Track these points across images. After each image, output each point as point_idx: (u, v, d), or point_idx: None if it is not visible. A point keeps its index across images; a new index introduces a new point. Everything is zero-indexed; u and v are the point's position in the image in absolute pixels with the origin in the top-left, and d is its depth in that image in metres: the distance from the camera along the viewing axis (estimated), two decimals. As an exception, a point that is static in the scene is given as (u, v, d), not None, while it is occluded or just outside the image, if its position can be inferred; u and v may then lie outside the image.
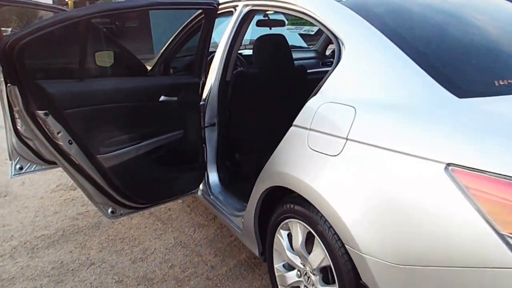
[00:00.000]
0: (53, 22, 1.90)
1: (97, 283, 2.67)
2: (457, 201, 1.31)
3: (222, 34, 2.89)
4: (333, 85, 1.86)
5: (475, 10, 2.11)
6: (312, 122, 1.85)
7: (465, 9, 2.08)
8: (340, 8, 1.99)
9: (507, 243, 1.22)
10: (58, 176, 4.46)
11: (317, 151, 1.78)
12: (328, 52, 4.86)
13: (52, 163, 3.16)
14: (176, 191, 2.70)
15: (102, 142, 2.24)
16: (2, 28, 3.60)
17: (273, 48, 2.93)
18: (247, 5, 2.70)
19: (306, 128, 1.88)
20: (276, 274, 2.21)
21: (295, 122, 1.95)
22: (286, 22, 4.71)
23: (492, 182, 1.26)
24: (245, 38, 4.18)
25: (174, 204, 3.70)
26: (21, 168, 3.05)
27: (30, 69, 1.96)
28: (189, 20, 3.25)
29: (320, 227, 1.78)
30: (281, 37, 2.97)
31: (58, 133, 2.08)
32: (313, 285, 1.94)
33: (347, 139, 1.66)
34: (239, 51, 4.06)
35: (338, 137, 1.70)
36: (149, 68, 3.64)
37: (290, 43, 3.07)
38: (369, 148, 1.57)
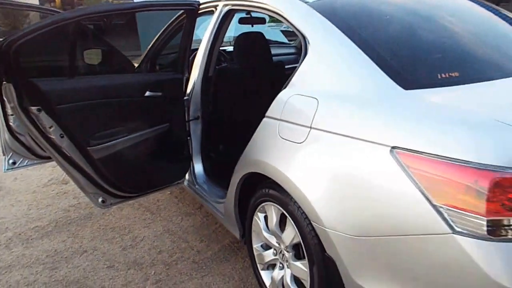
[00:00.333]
0: (47, 24, 2.07)
1: (89, 269, 2.86)
2: (400, 179, 1.52)
3: (205, 31, 3.07)
4: (300, 79, 2.06)
5: (426, 10, 2.30)
6: (282, 113, 2.05)
7: (417, 10, 2.28)
8: (307, 9, 2.18)
9: (438, 212, 1.43)
10: (49, 171, 4.62)
11: (286, 139, 1.98)
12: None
13: (44, 158, 3.34)
14: (163, 181, 2.88)
15: (92, 135, 2.41)
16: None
17: (252, 45, 3.11)
18: (226, 5, 2.88)
19: (277, 119, 2.08)
20: (255, 254, 2.40)
21: (267, 114, 2.15)
22: (268, 19, 4.88)
23: (427, 161, 1.46)
24: (229, 35, 4.38)
25: (162, 195, 3.89)
26: (14, 163, 3.22)
27: (25, 68, 2.13)
28: (173, 19, 3.43)
29: (291, 208, 1.97)
30: (260, 35, 3.15)
31: (50, 128, 2.25)
32: (287, 261, 2.14)
33: (311, 127, 1.86)
34: (223, 48, 4.25)
35: (304, 126, 1.90)
36: (136, 65, 3.82)
37: (272, 39, 3.26)
38: (329, 135, 1.77)
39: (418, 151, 1.49)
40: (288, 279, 2.14)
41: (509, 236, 1.36)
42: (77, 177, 2.50)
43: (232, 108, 3.16)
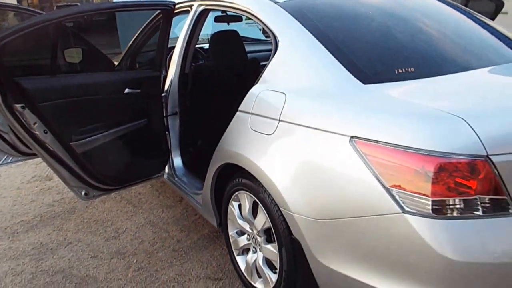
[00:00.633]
0: (30, 24, 2.18)
1: (74, 259, 2.98)
2: (358, 166, 1.67)
3: (181, 30, 3.19)
4: (270, 75, 2.21)
5: (388, 9, 2.46)
6: (253, 107, 2.20)
7: (379, 9, 2.44)
8: (276, 8, 2.33)
9: (391, 195, 1.59)
10: (33, 168, 4.70)
11: (257, 132, 2.13)
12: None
13: (27, 155, 3.44)
14: (143, 174, 3.00)
15: (75, 130, 2.53)
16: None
17: (226, 43, 3.25)
18: (201, 4, 3.01)
19: (248, 113, 2.22)
20: (230, 240, 2.55)
21: (240, 108, 2.29)
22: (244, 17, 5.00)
23: (382, 149, 1.62)
24: (208, 32, 4.49)
25: (143, 189, 4.01)
26: (-2, 160, 3.32)
27: (8, 67, 2.24)
28: (151, 18, 3.54)
29: (262, 195, 2.12)
30: (234, 33, 3.29)
31: (34, 124, 2.36)
32: (259, 245, 2.29)
33: (279, 120, 2.01)
34: (201, 45, 4.38)
35: (273, 119, 2.05)
36: (116, 63, 3.92)
37: (250, 36, 3.37)
38: (295, 126, 1.92)
39: (374, 140, 1.65)
40: (260, 262, 2.29)
41: (452, 215, 1.52)
42: (60, 171, 2.61)
43: (209, 103, 3.29)
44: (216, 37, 3.23)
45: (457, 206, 1.51)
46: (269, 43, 5.18)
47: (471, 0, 3.95)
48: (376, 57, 2.09)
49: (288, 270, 2.07)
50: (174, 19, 3.37)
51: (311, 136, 1.85)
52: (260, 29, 5.18)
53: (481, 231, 1.51)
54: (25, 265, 2.92)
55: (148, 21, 3.54)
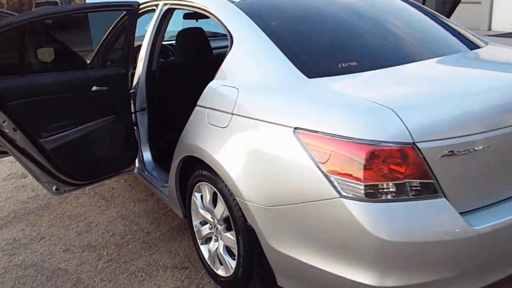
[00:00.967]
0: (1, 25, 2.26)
1: (46, 253, 3.06)
2: (301, 155, 1.79)
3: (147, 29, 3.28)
4: (225, 71, 2.31)
5: (335, 7, 2.58)
6: (210, 102, 2.30)
7: (326, 7, 2.55)
8: (232, 8, 2.43)
9: (330, 181, 1.71)
10: (8, 166, 4.76)
11: (213, 125, 2.24)
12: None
13: (1, 153, 3.50)
14: (113, 169, 3.09)
15: (44, 128, 2.62)
16: None
17: (191, 40, 3.34)
18: (166, 4, 3.10)
19: (206, 107, 2.33)
20: (195, 230, 2.66)
21: (198, 103, 2.40)
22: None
23: (322, 139, 1.74)
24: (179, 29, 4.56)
25: (117, 184, 4.10)
26: (-30, 159, 3.38)
27: None
28: (120, 16, 3.61)
29: (220, 186, 2.23)
30: (199, 30, 3.38)
31: (4, 122, 2.45)
32: (220, 233, 2.41)
33: (232, 114, 2.12)
34: (171, 42, 4.45)
35: (227, 112, 2.16)
36: (88, 60, 3.99)
37: (220, 32, 3.44)
38: (246, 119, 2.04)
39: (314, 131, 1.77)
40: (221, 249, 2.40)
41: (384, 198, 1.65)
42: (31, 167, 2.70)
43: (175, 99, 3.39)
44: (181, 35, 3.32)
45: (388, 190, 1.64)
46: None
47: None
48: (322, 52, 2.20)
49: (245, 256, 2.18)
50: (143, 17, 3.48)
51: (260, 128, 1.96)
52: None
53: (411, 212, 1.64)
54: (-3, 260, 3.00)
55: (118, 19, 3.61)
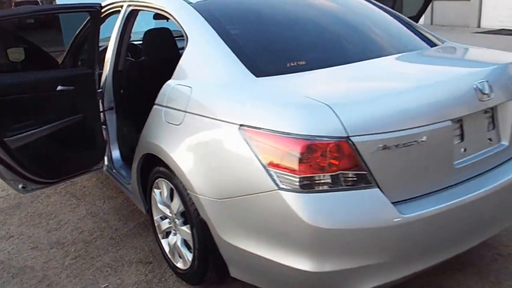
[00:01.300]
0: None
1: (14, 251, 3.11)
2: (246, 150, 1.87)
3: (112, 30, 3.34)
4: (181, 70, 2.39)
5: (288, 8, 2.67)
6: (166, 100, 2.38)
7: (279, 8, 2.64)
8: (188, 8, 2.50)
9: (270, 174, 1.79)
10: (-18, 166, 4.77)
11: (169, 123, 2.31)
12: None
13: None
14: (80, 167, 3.15)
15: (9, 127, 2.67)
16: None
17: (158, 40, 3.40)
18: (130, 5, 3.16)
19: (162, 106, 2.40)
20: (155, 225, 2.74)
21: (156, 101, 2.47)
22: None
23: (263, 135, 1.83)
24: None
25: (89, 182, 4.15)
26: None
27: None
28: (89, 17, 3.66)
29: (175, 181, 2.31)
30: (166, 30, 3.44)
31: None
32: (177, 227, 2.48)
33: (185, 112, 2.20)
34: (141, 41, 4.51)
35: (181, 110, 2.23)
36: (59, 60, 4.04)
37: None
38: (197, 117, 2.12)
39: (257, 127, 1.85)
40: (179, 243, 2.48)
41: (319, 189, 1.74)
42: (-4, 165, 2.75)
43: (143, 98, 3.45)
44: (148, 35, 3.38)
45: (322, 181, 1.73)
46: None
47: None
48: (271, 52, 2.29)
49: (200, 248, 2.26)
50: (111, 18, 3.53)
51: (210, 125, 2.04)
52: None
53: (345, 202, 1.73)
54: (-35, 259, 3.04)
55: (88, 19, 3.66)
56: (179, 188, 2.28)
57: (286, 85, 2.01)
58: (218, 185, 2.00)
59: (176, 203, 2.38)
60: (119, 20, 3.24)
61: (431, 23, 13.22)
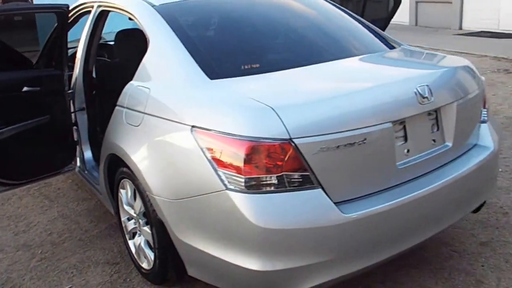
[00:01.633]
0: None
1: (-20, 254, 3.12)
2: (197, 151, 1.91)
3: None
4: (142, 72, 2.43)
5: (248, 13, 2.71)
6: (126, 101, 2.42)
7: (238, 12, 2.69)
8: (150, 11, 2.54)
9: (218, 175, 1.84)
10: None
11: (129, 124, 2.35)
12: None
13: None
14: (50, 168, 3.16)
15: None
16: None
17: (129, 40, 3.42)
18: (100, 6, 3.19)
19: (123, 107, 2.44)
20: (123, 225, 2.77)
21: (117, 102, 2.51)
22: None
23: (213, 136, 1.87)
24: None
25: (63, 183, 4.16)
26: None
27: None
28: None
29: (137, 182, 2.34)
30: (137, 31, 3.47)
31: None
32: (141, 228, 2.52)
33: (144, 113, 2.24)
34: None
35: (139, 112, 2.27)
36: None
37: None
38: (154, 118, 2.16)
39: (208, 129, 1.90)
40: (142, 243, 2.52)
41: (263, 189, 1.79)
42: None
43: (114, 98, 3.47)
44: (120, 35, 3.41)
45: (267, 182, 1.77)
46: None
47: None
48: (227, 55, 2.34)
49: (160, 248, 2.30)
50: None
51: (165, 126, 2.08)
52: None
53: (289, 202, 1.78)
54: None
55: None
56: (140, 189, 2.32)
57: (237, 87, 2.06)
58: (173, 186, 2.04)
59: (138, 204, 2.42)
60: (89, 20, 3.27)
61: (416, 24, 13.33)
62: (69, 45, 3.99)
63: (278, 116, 1.77)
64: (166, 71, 2.27)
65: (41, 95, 2.99)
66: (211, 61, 2.22)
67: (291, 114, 1.79)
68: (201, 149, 1.89)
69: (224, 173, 1.82)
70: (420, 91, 2.00)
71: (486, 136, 2.36)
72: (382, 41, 2.74)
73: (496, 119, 4.63)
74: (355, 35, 2.74)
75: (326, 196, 1.80)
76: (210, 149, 1.87)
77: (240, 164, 1.77)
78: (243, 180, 1.77)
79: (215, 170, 1.84)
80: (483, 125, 2.40)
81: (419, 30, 12.36)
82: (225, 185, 1.81)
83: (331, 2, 3.03)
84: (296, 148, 1.76)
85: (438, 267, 2.54)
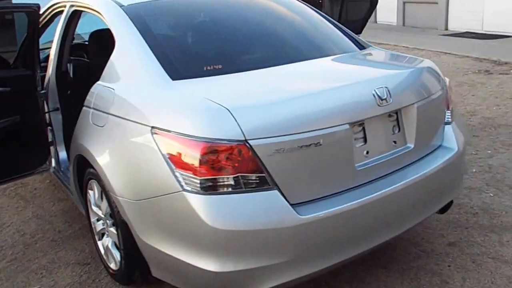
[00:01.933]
0: None
1: None
2: (156, 152, 1.91)
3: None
4: (108, 72, 2.42)
5: (215, 14, 2.71)
6: (93, 102, 2.41)
7: (204, 13, 2.68)
8: (118, 11, 2.53)
9: (175, 176, 1.83)
10: None
11: (94, 124, 2.35)
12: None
13: None
14: (21, 169, 3.14)
15: None
16: None
17: (103, 40, 3.41)
18: (72, 6, 3.18)
19: (90, 107, 2.43)
20: (93, 226, 2.76)
21: (84, 103, 2.50)
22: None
23: (171, 137, 1.87)
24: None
25: (41, 184, 4.14)
26: None
27: None
28: (43, 16, 3.65)
29: (102, 183, 2.33)
30: (108, 31, 3.46)
31: None
32: (108, 228, 2.51)
33: (109, 114, 2.23)
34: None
35: (105, 112, 2.27)
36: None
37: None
38: (117, 118, 2.16)
39: (166, 130, 1.89)
40: (109, 244, 2.51)
41: (218, 191, 1.79)
42: None
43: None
44: (94, 36, 3.40)
45: (223, 183, 1.78)
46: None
47: None
48: (190, 55, 2.34)
49: (125, 249, 2.30)
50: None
51: (127, 127, 2.08)
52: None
53: (244, 203, 1.78)
54: None
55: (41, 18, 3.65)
56: (105, 189, 2.31)
57: (196, 88, 2.06)
58: (135, 187, 2.04)
59: (105, 205, 2.41)
60: (61, 20, 3.25)
61: (403, 25, 13.38)
62: (46, 46, 3.99)
63: (234, 118, 1.77)
64: (130, 72, 2.26)
65: (12, 96, 2.96)
66: (175, 61, 2.21)
67: (247, 116, 1.79)
68: (160, 150, 1.89)
69: (181, 174, 1.82)
70: (378, 92, 2.01)
71: (451, 137, 2.37)
72: (351, 42, 2.75)
73: (462, 120, 4.68)
74: (323, 36, 2.75)
75: (283, 198, 1.80)
76: (168, 150, 1.87)
77: (196, 165, 1.77)
78: (198, 181, 1.77)
79: (173, 171, 1.84)
80: (447, 126, 2.41)
81: (406, 31, 12.41)
82: (181, 186, 1.81)
83: (302, 2, 3.03)
84: (251, 149, 1.76)
85: (406, 267, 2.55)
